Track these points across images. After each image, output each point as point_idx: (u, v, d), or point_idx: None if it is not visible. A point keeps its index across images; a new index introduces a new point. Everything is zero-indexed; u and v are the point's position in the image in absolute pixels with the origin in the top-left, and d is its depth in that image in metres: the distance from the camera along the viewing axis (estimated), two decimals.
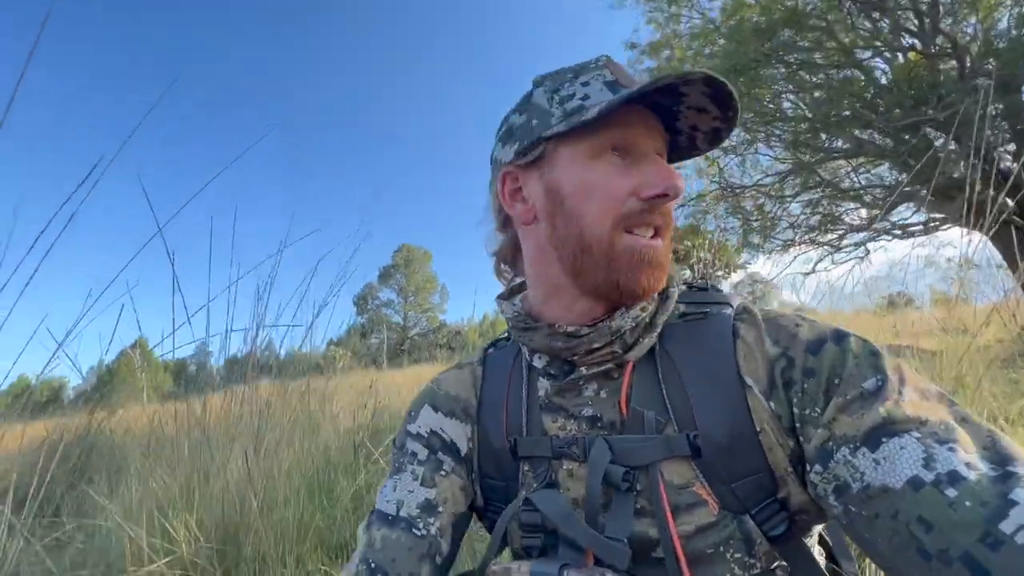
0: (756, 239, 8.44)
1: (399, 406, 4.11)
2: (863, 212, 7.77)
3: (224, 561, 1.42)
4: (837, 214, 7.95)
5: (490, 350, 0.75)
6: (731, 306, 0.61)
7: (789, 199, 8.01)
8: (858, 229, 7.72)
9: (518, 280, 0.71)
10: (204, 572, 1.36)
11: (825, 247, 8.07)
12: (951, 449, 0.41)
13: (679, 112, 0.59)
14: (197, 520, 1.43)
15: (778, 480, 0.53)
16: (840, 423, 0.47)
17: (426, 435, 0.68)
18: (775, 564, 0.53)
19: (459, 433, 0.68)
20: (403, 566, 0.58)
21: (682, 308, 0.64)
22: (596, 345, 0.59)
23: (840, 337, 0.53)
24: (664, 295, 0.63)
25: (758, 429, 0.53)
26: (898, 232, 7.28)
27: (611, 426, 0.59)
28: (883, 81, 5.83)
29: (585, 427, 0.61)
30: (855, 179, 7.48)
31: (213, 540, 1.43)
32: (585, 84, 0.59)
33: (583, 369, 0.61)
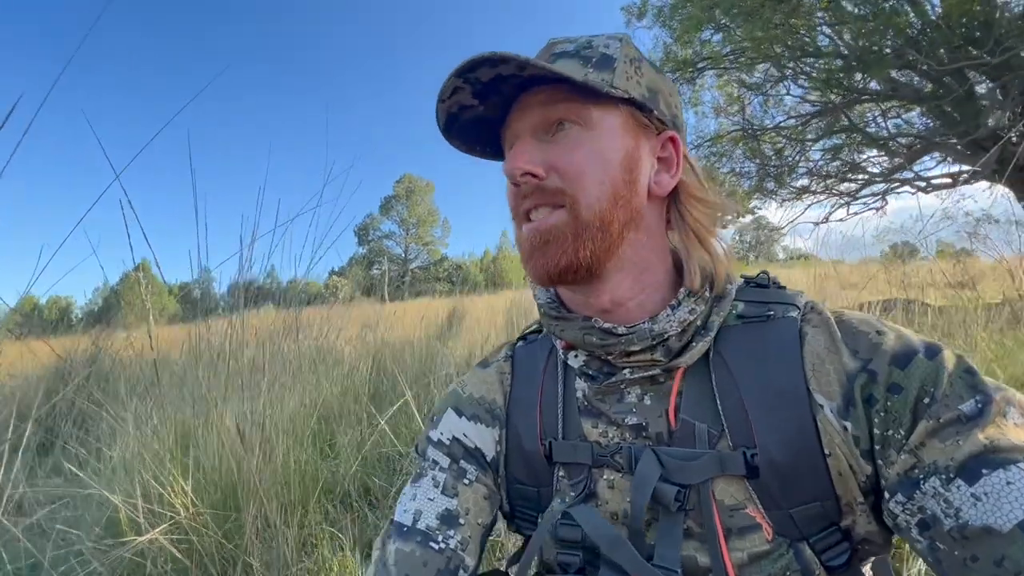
0: (771, 185, 8.17)
1: (401, 340, 4.09)
2: (886, 161, 7.45)
3: (225, 523, 1.38)
4: (858, 162, 7.62)
5: (519, 343, 0.69)
6: (797, 307, 0.54)
7: (810, 143, 7.64)
8: (880, 177, 7.45)
9: None
10: (205, 536, 1.33)
11: (841, 196, 7.83)
12: None
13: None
14: (194, 484, 1.40)
15: (843, 508, 0.48)
16: (930, 449, 0.42)
17: (448, 443, 0.64)
18: None
19: (485, 438, 0.64)
20: None
21: (740, 308, 0.57)
22: (634, 348, 0.53)
23: (933, 351, 0.46)
24: (719, 294, 0.56)
25: (827, 452, 0.48)
26: (921, 183, 7.01)
27: (658, 437, 0.54)
28: (933, 15, 5.33)
29: (629, 436, 0.56)
30: (882, 124, 7.09)
31: (211, 503, 1.39)
32: None
33: (627, 372, 0.55)
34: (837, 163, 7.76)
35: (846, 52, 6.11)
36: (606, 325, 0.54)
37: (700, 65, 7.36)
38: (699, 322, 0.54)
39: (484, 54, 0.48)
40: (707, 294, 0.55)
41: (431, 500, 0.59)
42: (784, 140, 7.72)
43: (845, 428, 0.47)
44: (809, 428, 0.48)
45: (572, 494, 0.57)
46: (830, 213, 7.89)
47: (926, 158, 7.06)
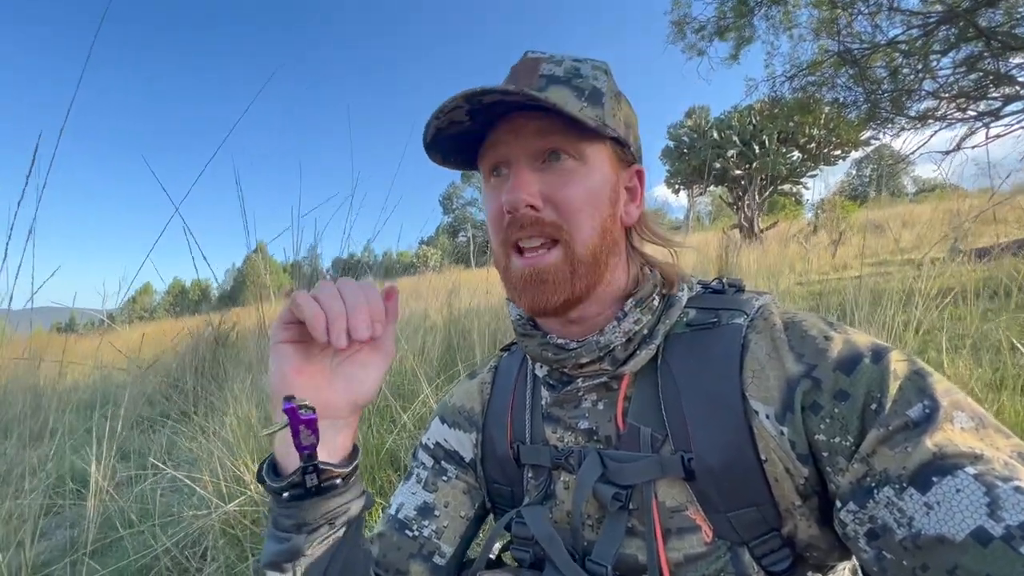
0: (885, 112, 7.02)
1: (483, 307, 4.20)
2: None
3: None
4: (1004, 71, 6.25)
5: (504, 355, 0.76)
6: (746, 313, 0.54)
7: (937, 56, 6.38)
8: None
9: None
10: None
11: (979, 117, 6.52)
12: (1018, 490, 0.35)
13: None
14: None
15: (782, 513, 0.49)
16: (881, 457, 0.41)
17: (432, 447, 0.72)
18: None
19: (463, 442, 0.71)
20: (391, 563, 0.63)
21: (691, 315, 0.58)
22: (584, 360, 0.57)
23: (879, 355, 0.45)
24: (668, 301, 0.58)
25: (763, 458, 0.48)
26: None
27: (607, 440, 0.58)
28: None
29: (582, 439, 0.60)
30: None
31: None
32: None
33: (580, 381, 0.60)
34: (975, 75, 6.43)
35: None
36: (559, 341, 0.59)
37: None
38: (645, 331, 0.56)
39: (496, 88, 0.49)
40: (655, 303, 0.57)
41: (413, 494, 0.69)
42: (901, 57, 6.55)
43: (782, 432, 0.47)
44: (744, 435, 0.49)
45: (535, 495, 0.63)
46: (964, 137, 6.64)
47: None
